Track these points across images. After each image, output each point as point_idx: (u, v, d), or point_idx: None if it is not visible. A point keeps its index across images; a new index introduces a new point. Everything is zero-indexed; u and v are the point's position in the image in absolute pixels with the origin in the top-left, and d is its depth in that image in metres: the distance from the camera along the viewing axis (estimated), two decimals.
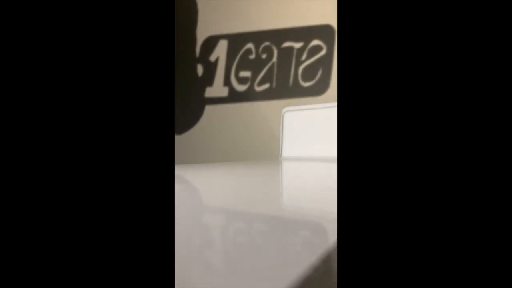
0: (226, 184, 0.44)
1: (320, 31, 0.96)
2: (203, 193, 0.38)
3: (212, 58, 1.09)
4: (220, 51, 1.08)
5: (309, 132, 0.89)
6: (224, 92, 1.09)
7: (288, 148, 0.93)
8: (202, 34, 1.10)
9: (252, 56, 1.04)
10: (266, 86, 1.03)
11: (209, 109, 1.12)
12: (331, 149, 0.84)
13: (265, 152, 1.03)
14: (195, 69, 1.12)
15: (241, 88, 1.07)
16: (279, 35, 1.01)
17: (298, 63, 0.99)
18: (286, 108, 0.95)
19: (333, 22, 0.94)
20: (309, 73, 0.98)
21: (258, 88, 1.04)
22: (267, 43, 1.02)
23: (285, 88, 1.01)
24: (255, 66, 1.04)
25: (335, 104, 0.87)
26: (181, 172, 0.58)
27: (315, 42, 0.97)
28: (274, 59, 1.02)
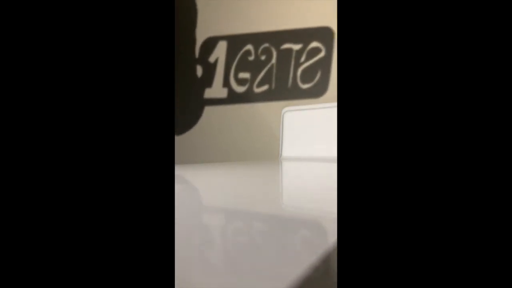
0: (226, 184, 0.44)
1: (319, 33, 0.96)
2: (202, 193, 0.38)
3: (212, 59, 1.09)
4: (220, 52, 1.08)
5: (309, 132, 0.89)
6: (223, 93, 1.09)
7: (288, 148, 0.93)
8: (201, 35, 1.10)
9: (251, 58, 1.04)
10: (265, 87, 1.03)
11: (208, 110, 1.12)
12: (331, 149, 0.84)
13: (265, 152, 1.03)
14: (194, 70, 1.12)
15: (240, 89, 1.07)
16: (278, 37, 1.01)
17: (297, 64, 0.99)
18: (286, 108, 0.95)
19: (332, 24, 0.95)
20: (308, 75, 0.98)
21: (257, 90, 1.04)
22: (266, 45, 1.02)
23: (284, 90, 1.01)
24: (254, 67, 1.04)
25: (335, 104, 0.87)
26: (180, 172, 0.58)
27: (314, 44, 0.97)
28: (273, 60, 1.02)
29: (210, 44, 1.09)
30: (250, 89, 1.05)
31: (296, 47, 0.99)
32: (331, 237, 0.17)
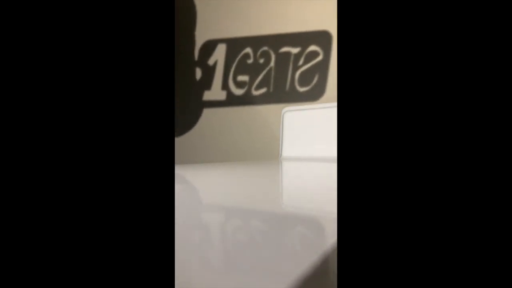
0: (226, 184, 0.44)
1: (317, 36, 0.97)
2: (202, 193, 0.38)
3: (211, 61, 1.10)
4: (219, 55, 1.08)
5: (309, 132, 0.89)
6: (222, 95, 1.09)
7: (288, 148, 0.93)
8: (200, 37, 1.11)
9: (250, 61, 1.05)
10: (263, 90, 1.04)
11: (207, 112, 1.12)
12: (331, 149, 0.84)
13: (265, 152, 1.04)
14: (193, 72, 1.12)
15: (238, 92, 1.07)
16: (277, 40, 1.02)
17: (295, 68, 1.00)
18: (286, 108, 0.95)
19: (330, 28, 0.95)
20: (305, 78, 0.99)
21: (256, 92, 1.05)
22: (265, 48, 1.03)
23: (282, 93, 1.02)
24: (253, 70, 1.05)
25: (335, 104, 0.87)
26: (180, 172, 0.58)
27: (312, 47, 0.97)
28: (272, 63, 1.03)
29: (210, 46, 1.09)
30: (248, 91, 1.06)
31: (295, 50, 1.00)
32: (331, 237, 0.17)
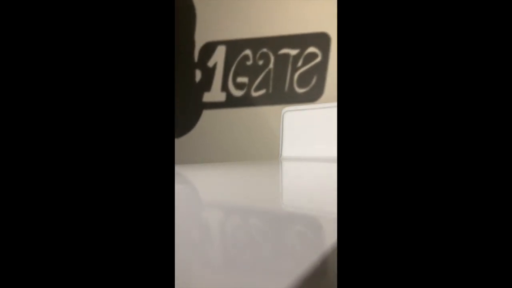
0: (225, 184, 0.44)
1: (316, 38, 0.97)
2: (202, 193, 0.38)
3: (210, 63, 1.10)
4: (218, 57, 1.09)
5: (309, 132, 0.89)
6: (221, 97, 1.10)
7: (288, 148, 0.93)
8: (200, 40, 1.11)
9: (250, 62, 1.05)
10: (262, 91, 1.04)
11: (207, 113, 1.12)
12: (331, 149, 0.84)
13: (265, 152, 1.04)
14: (193, 74, 1.12)
15: (238, 93, 1.08)
16: (276, 42, 1.02)
17: (294, 69, 1.00)
18: (286, 108, 0.95)
19: (329, 30, 0.96)
20: (304, 80, 0.99)
21: (255, 94, 1.05)
22: (264, 50, 1.03)
23: (281, 94, 1.02)
24: (252, 72, 1.05)
25: (335, 104, 0.87)
26: (180, 172, 0.58)
27: (311, 49, 0.98)
28: (271, 65, 1.03)
29: (209, 48, 1.10)
30: (248, 93, 1.06)
31: (293, 52, 1.00)
32: (331, 237, 0.17)
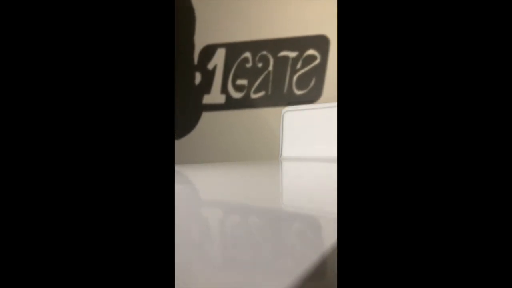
0: (225, 183, 0.44)
1: (315, 41, 0.98)
2: (202, 193, 0.38)
3: (210, 66, 1.10)
4: (218, 59, 1.09)
5: (309, 132, 0.89)
6: (221, 99, 1.10)
7: (288, 148, 0.93)
8: (200, 42, 1.11)
9: (249, 65, 1.06)
10: (261, 93, 1.05)
11: (206, 115, 1.13)
12: (331, 149, 0.84)
13: (265, 152, 1.04)
14: (193, 76, 1.13)
15: (237, 95, 1.08)
16: (275, 45, 1.02)
17: (293, 71, 1.01)
18: (286, 108, 0.95)
19: (328, 33, 0.96)
20: (303, 82, 0.99)
21: (254, 96, 1.06)
22: (263, 52, 1.04)
23: (280, 96, 1.02)
24: (252, 74, 1.05)
25: (335, 104, 0.87)
26: (180, 172, 0.58)
27: (310, 51, 0.98)
28: (270, 67, 1.03)
29: (209, 51, 1.10)
30: (247, 95, 1.07)
31: (293, 54, 1.00)
32: (331, 237, 0.17)
